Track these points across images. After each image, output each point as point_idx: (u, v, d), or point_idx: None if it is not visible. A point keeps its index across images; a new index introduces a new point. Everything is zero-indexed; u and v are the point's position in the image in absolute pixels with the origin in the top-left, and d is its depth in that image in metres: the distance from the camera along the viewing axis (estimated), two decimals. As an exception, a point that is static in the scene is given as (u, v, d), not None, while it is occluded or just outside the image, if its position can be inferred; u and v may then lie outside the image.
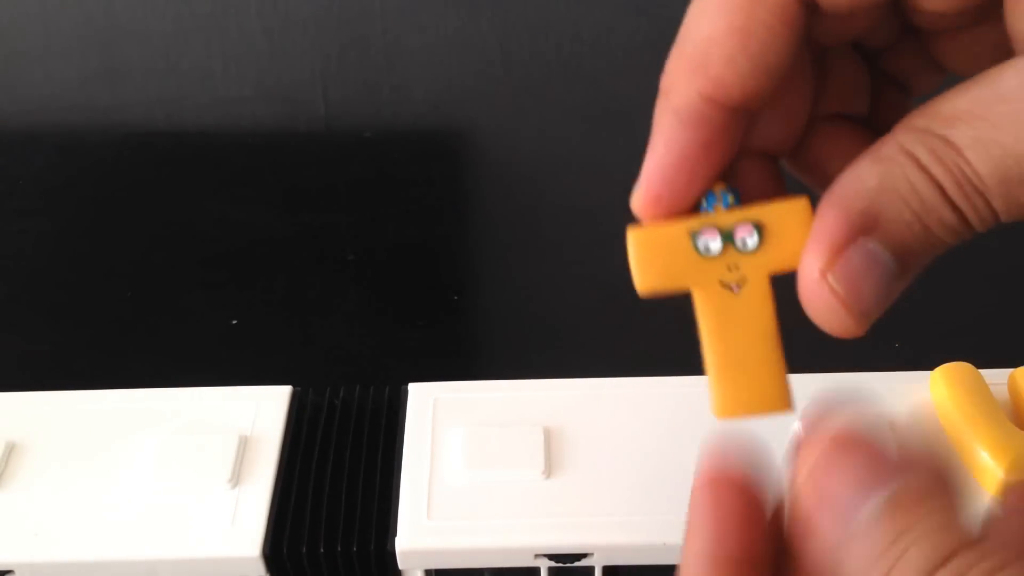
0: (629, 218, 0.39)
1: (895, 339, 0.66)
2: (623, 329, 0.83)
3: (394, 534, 0.55)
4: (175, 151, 1.09)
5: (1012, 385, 0.60)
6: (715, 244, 0.36)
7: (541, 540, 0.55)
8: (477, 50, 1.11)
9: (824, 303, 0.32)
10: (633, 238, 0.36)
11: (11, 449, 0.58)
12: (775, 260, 0.36)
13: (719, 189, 0.36)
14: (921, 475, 0.29)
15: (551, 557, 0.55)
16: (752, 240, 0.36)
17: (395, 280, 0.91)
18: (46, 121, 1.12)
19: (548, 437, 0.59)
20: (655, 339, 0.63)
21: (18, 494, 0.57)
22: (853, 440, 0.31)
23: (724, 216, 0.36)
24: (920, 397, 0.60)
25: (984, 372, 0.59)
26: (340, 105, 1.11)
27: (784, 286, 0.35)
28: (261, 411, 0.61)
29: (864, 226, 0.31)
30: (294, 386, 0.63)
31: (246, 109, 1.12)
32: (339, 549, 0.56)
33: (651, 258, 0.36)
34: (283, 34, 1.10)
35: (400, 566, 0.56)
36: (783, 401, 0.37)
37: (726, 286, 0.37)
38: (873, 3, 0.32)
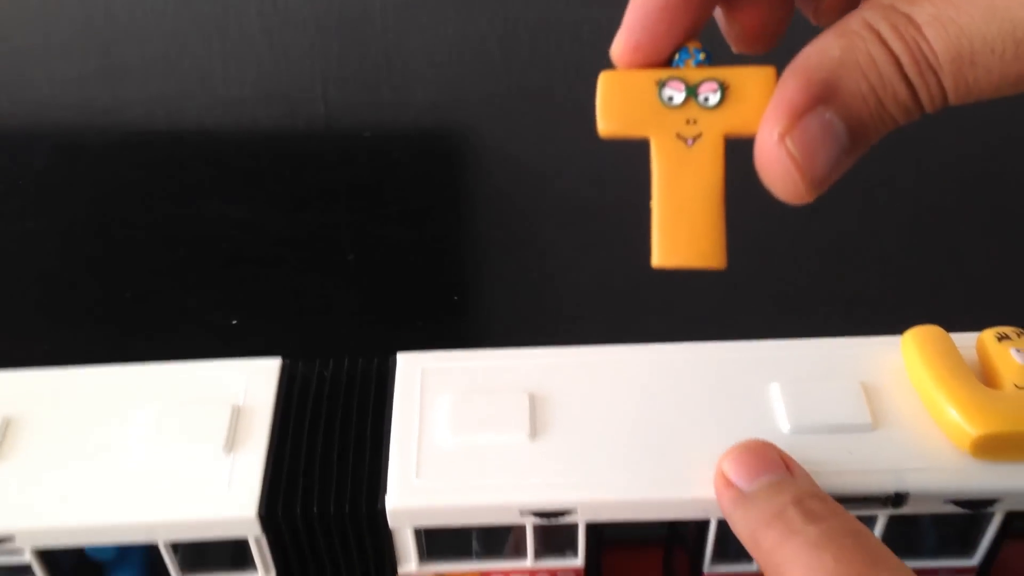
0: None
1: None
2: (622, 329, 0.86)
3: (384, 494, 0.58)
4: (175, 151, 1.12)
5: (980, 346, 0.63)
6: (679, 96, 0.41)
7: (526, 498, 0.58)
8: (477, 50, 1.15)
9: (780, 166, 0.36)
10: (603, 80, 0.41)
11: (7, 424, 0.61)
12: (733, 120, 0.41)
13: (693, 47, 0.40)
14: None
15: (536, 514, 0.58)
16: (714, 97, 0.40)
17: (395, 280, 0.94)
18: (46, 121, 1.15)
19: (533, 402, 0.62)
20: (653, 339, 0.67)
21: (17, 465, 0.59)
22: (751, 446, 0.51)
23: (693, 72, 0.41)
24: (892, 360, 0.64)
25: (953, 336, 0.63)
26: (340, 105, 1.14)
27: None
28: (252, 382, 0.63)
29: (823, 95, 0.35)
30: (284, 358, 0.66)
31: (246, 109, 1.15)
32: (332, 509, 0.58)
33: (616, 101, 0.41)
34: (283, 34, 1.14)
35: (390, 525, 0.58)
36: (717, 257, 0.42)
37: (682, 139, 0.41)
38: None
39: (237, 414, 0.61)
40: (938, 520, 0.65)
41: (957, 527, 0.64)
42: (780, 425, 0.61)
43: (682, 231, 0.42)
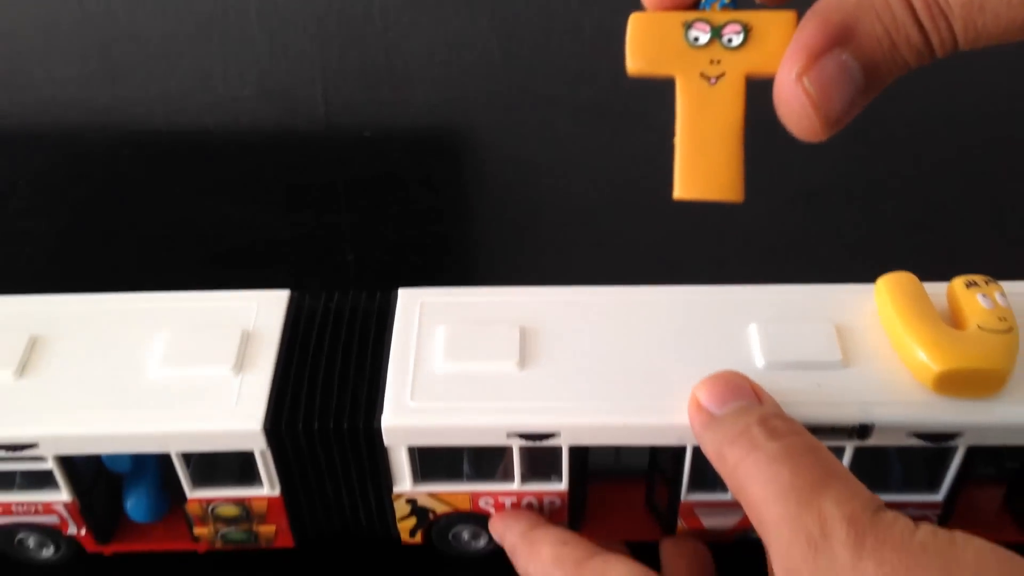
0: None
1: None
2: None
3: (380, 414, 0.68)
4: (175, 151, 1.20)
5: (950, 292, 0.72)
6: (704, 36, 0.46)
7: (513, 421, 0.68)
8: (477, 50, 1.21)
9: (798, 104, 0.41)
10: (633, 20, 0.46)
11: (34, 342, 0.72)
12: (754, 61, 0.46)
13: None
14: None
15: (522, 436, 0.68)
16: (738, 39, 0.46)
17: (395, 280, 1.03)
18: (46, 121, 1.22)
19: (524, 334, 0.72)
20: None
21: (41, 379, 0.70)
22: (724, 376, 0.59)
23: (718, 14, 0.46)
24: (866, 306, 0.73)
25: (928, 285, 0.71)
26: (340, 105, 1.21)
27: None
28: (262, 310, 0.74)
29: (840, 37, 0.40)
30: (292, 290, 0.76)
31: (246, 109, 1.22)
32: (331, 425, 0.68)
33: (644, 40, 0.47)
34: (283, 34, 1.21)
35: (386, 442, 0.68)
36: (735, 191, 0.48)
37: (706, 77, 0.47)
38: None
39: (247, 338, 0.72)
40: (904, 456, 0.74)
41: (923, 463, 0.73)
42: (755, 361, 0.70)
43: (702, 166, 0.48)
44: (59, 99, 1.24)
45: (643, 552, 0.76)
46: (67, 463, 0.70)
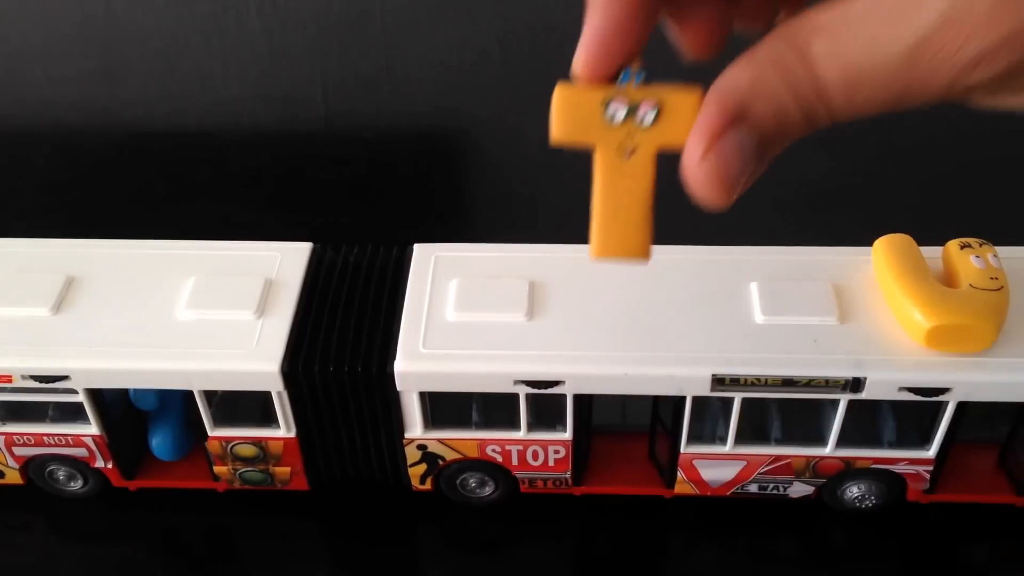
0: None
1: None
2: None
3: (394, 360, 0.76)
4: (175, 151, 1.26)
5: (945, 254, 0.79)
6: (621, 114, 0.53)
7: (520, 369, 0.75)
8: (477, 50, 1.26)
9: (703, 180, 0.48)
10: (558, 94, 0.53)
11: (70, 282, 0.81)
12: (665, 137, 0.53)
13: (635, 68, 0.52)
14: None
15: (528, 384, 0.75)
16: (650, 117, 0.53)
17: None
18: (46, 121, 1.29)
19: (533, 288, 0.79)
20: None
21: (75, 317, 0.79)
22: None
23: (633, 92, 0.52)
24: (864, 267, 0.80)
25: (925, 248, 0.78)
26: (340, 105, 1.28)
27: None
28: (285, 260, 0.83)
29: (736, 117, 0.45)
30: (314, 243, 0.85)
31: (246, 109, 1.28)
32: (346, 369, 0.77)
33: (568, 113, 0.53)
34: (283, 34, 1.26)
35: (398, 387, 0.76)
36: (643, 253, 0.57)
37: (621, 151, 0.54)
38: None
39: (269, 286, 0.81)
40: (897, 413, 0.81)
41: (915, 421, 0.81)
42: (755, 317, 0.78)
43: (615, 231, 0.56)
44: (59, 99, 1.30)
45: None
46: (97, 397, 0.79)
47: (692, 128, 0.47)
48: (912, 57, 0.41)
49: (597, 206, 0.56)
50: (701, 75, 0.51)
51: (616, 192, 0.56)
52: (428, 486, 0.85)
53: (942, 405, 0.76)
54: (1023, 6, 0.39)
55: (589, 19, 0.50)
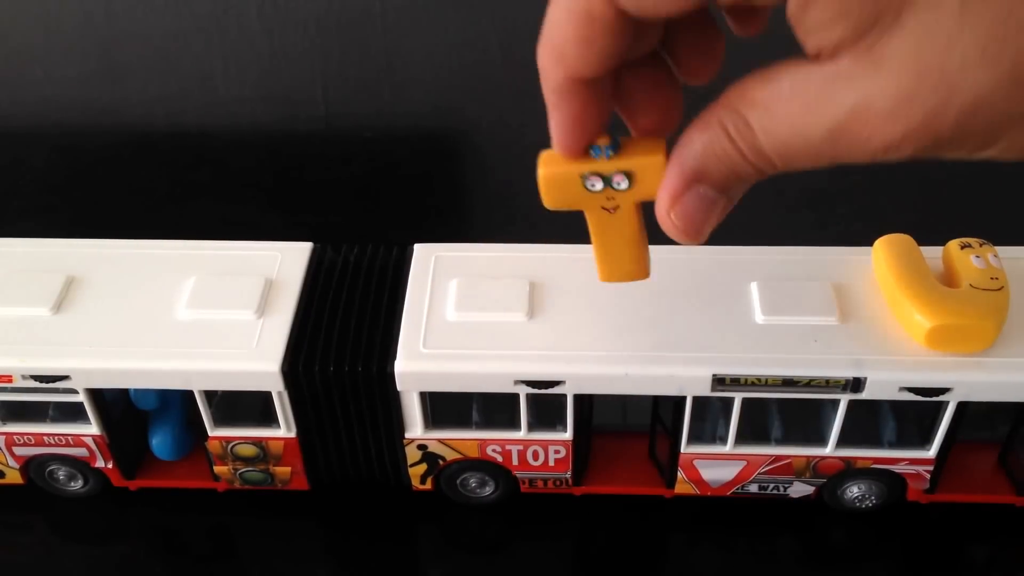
0: None
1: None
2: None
3: (394, 359, 0.76)
4: (175, 151, 1.26)
5: (945, 254, 0.79)
6: (598, 185, 0.62)
7: (520, 369, 0.75)
8: (477, 50, 1.27)
9: (672, 230, 0.56)
10: (542, 177, 0.62)
11: (70, 282, 0.81)
12: (640, 194, 0.62)
13: (603, 144, 0.60)
14: None
15: (529, 384, 0.76)
16: (624, 184, 0.61)
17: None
18: (46, 120, 1.29)
19: (533, 288, 0.80)
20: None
21: (76, 316, 0.79)
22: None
23: (605, 164, 0.60)
24: (864, 267, 0.80)
25: (926, 248, 0.79)
26: (340, 105, 1.28)
27: None
28: (285, 260, 0.83)
29: (694, 177, 0.54)
30: (315, 243, 0.85)
31: (246, 109, 1.29)
32: (346, 369, 0.77)
33: (553, 190, 0.62)
34: (283, 34, 1.26)
35: (398, 387, 0.76)
36: (642, 275, 0.69)
37: (606, 209, 0.64)
38: (662, 13, 0.50)
39: (269, 285, 0.81)
40: (897, 412, 0.81)
41: (915, 420, 0.81)
42: (756, 317, 0.78)
43: (614, 263, 0.69)
44: (59, 99, 1.30)
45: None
46: (97, 397, 0.79)
47: (659, 189, 0.56)
48: (831, 140, 0.47)
49: (595, 248, 0.68)
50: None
51: (608, 238, 0.67)
52: (428, 486, 0.85)
53: (942, 405, 0.76)
54: (919, 105, 0.44)
55: (551, 115, 0.57)
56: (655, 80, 0.59)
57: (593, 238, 0.67)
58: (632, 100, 0.60)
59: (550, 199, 0.63)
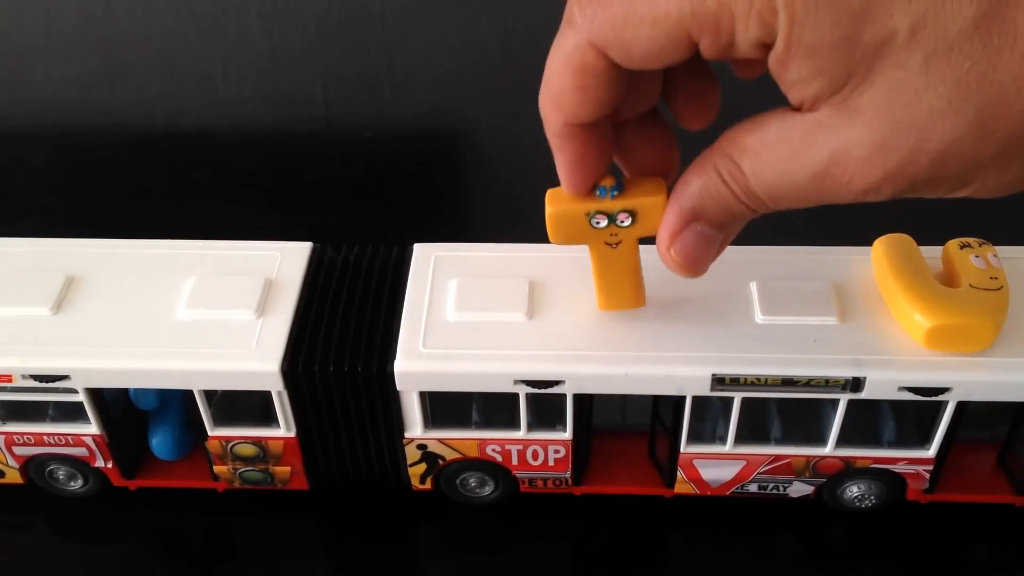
0: None
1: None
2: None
3: (394, 359, 0.76)
4: (175, 151, 1.26)
5: (944, 253, 0.79)
6: (603, 222, 0.68)
7: (520, 368, 0.75)
8: (477, 50, 1.27)
9: (672, 266, 0.63)
10: (549, 215, 0.67)
11: (70, 282, 0.81)
12: (642, 231, 0.68)
13: (609, 185, 0.65)
14: None
15: (528, 383, 0.76)
16: (627, 221, 0.68)
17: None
18: (46, 120, 1.29)
19: (532, 288, 0.80)
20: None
21: (75, 316, 0.79)
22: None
23: (611, 204, 0.66)
24: (864, 267, 0.80)
25: (925, 248, 0.79)
26: (340, 105, 1.28)
27: None
28: (285, 260, 0.83)
29: (692, 216, 0.59)
30: (314, 243, 0.85)
31: (246, 109, 1.29)
32: (346, 369, 0.77)
33: (561, 227, 0.68)
34: (283, 34, 1.26)
35: (398, 387, 0.76)
36: (638, 304, 0.76)
37: (608, 244, 0.70)
38: (648, 64, 0.54)
39: (269, 285, 0.81)
40: (897, 412, 0.81)
41: (915, 420, 0.81)
42: (755, 317, 0.78)
43: (614, 293, 0.75)
44: (59, 99, 1.30)
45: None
46: (97, 396, 0.79)
47: (660, 228, 0.62)
48: (815, 183, 0.52)
49: (596, 280, 0.74)
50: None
51: (610, 270, 0.73)
52: (428, 486, 0.85)
53: (942, 405, 0.76)
54: (893, 152, 0.48)
55: (556, 157, 0.63)
56: (653, 133, 0.65)
57: (595, 270, 0.73)
58: (631, 151, 0.66)
59: (557, 235, 0.69)
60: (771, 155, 0.53)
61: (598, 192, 0.66)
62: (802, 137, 0.51)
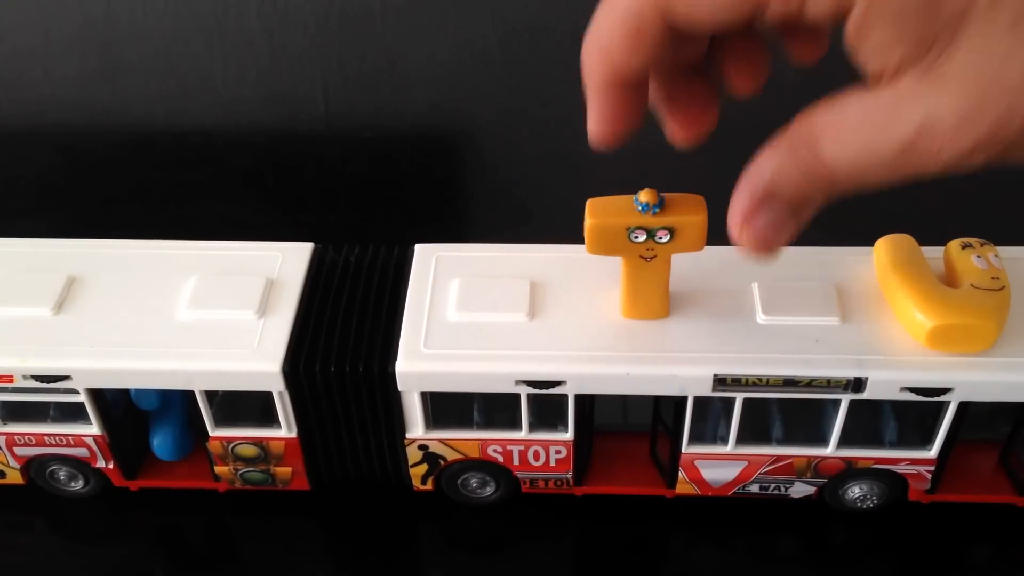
0: None
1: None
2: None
3: (395, 359, 0.76)
4: (175, 151, 1.26)
5: (946, 254, 0.79)
6: (641, 237, 0.70)
7: (522, 369, 0.75)
8: (477, 51, 1.27)
9: (744, 245, 0.60)
10: (589, 227, 0.69)
11: (71, 282, 0.81)
12: (678, 248, 0.71)
13: (652, 202, 0.68)
14: None
15: (530, 384, 0.76)
16: (665, 238, 0.70)
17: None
18: (46, 120, 1.29)
19: (533, 288, 0.79)
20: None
21: (77, 316, 0.79)
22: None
23: (651, 220, 0.69)
24: (866, 268, 0.80)
25: (927, 248, 0.79)
26: (340, 105, 1.28)
27: None
28: (286, 260, 0.83)
29: (765, 198, 0.57)
30: (315, 243, 0.85)
31: (246, 109, 1.28)
32: (347, 369, 0.77)
33: (599, 239, 0.70)
34: (283, 34, 1.26)
35: (399, 387, 0.76)
36: (662, 315, 0.77)
37: (644, 258, 0.72)
38: (709, 27, 0.54)
39: (270, 285, 0.81)
40: (898, 412, 0.81)
41: (916, 421, 0.81)
42: (757, 317, 0.78)
43: (641, 304, 0.76)
44: (59, 99, 1.30)
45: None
46: (98, 397, 0.79)
47: (730, 209, 0.60)
48: (904, 155, 0.50)
49: (625, 290, 0.75)
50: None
51: (639, 283, 0.74)
52: (429, 486, 0.85)
53: (943, 405, 0.76)
54: (984, 117, 0.47)
55: (589, 107, 0.60)
56: (695, 87, 0.62)
57: (625, 281, 0.74)
58: (672, 101, 0.63)
59: (594, 246, 0.71)
60: (853, 133, 0.52)
61: (640, 208, 0.68)
62: (886, 110, 0.50)
